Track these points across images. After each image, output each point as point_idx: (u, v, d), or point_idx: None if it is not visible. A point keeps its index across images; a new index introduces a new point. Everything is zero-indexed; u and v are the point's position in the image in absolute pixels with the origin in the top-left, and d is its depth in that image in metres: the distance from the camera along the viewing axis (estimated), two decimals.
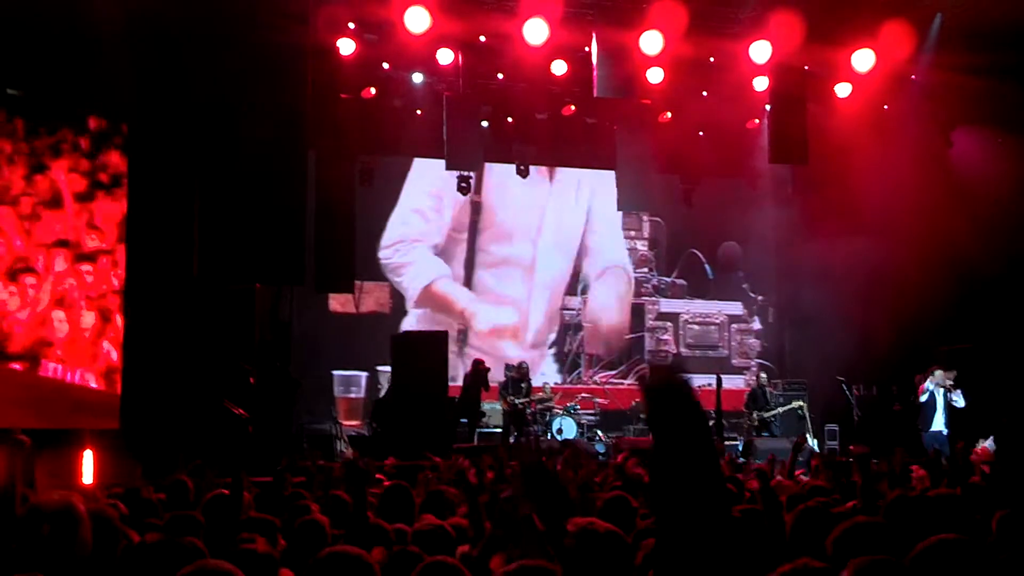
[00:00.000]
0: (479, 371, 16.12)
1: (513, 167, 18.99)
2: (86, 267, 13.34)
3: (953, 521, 4.39)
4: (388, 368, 17.94)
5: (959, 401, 14.22)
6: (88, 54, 12.48)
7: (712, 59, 16.38)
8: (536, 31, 14.88)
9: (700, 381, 19.78)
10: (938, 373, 14.38)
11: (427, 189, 19.94)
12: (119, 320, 13.40)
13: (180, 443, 10.96)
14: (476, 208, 20.38)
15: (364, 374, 18.71)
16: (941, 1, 15.29)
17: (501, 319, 20.36)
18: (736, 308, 21.95)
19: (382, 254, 19.75)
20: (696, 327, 22.02)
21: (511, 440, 16.07)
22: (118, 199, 13.61)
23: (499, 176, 19.86)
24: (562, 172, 20.74)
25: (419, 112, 17.53)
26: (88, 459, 8.55)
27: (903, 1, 15.15)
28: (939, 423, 14.32)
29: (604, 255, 21.34)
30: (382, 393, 17.25)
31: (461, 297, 20.32)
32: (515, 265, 20.74)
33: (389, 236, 19.86)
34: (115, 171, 13.64)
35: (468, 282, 20.43)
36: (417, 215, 20.11)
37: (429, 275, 20.20)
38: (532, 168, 19.32)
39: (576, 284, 21.02)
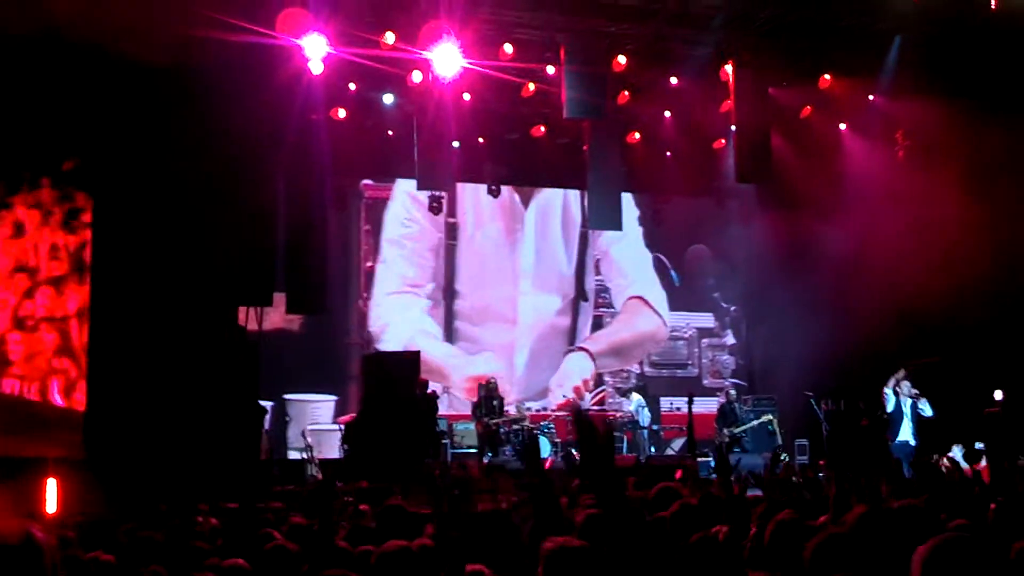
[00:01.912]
0: (426, 394, 15.64)
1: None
2: (47, 291, 13.46)
3: (917, 532, 4.42)
4: (300, 396, 17.21)
5: (926, 410, 14.35)
6: (50, 90, 12.54)
7: (678, 81, 16.55)
8: (505, 52, 14.99)
9: (665, 404, 19.33)
10: (904, 384, 14.52)
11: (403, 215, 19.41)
12: (77, 340, 13.55)
13: (147, 471, 10.85)
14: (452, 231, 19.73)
15: (268, 404, 16.91)
16: (900, 24, 15.52)
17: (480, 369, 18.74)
18: (707, 320, 20.62)
19: (372, 315, 18.97)
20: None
21: (485, 460, 16.02)
22: (75, 230, 13.75)
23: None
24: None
25: (390, 133, 17.56)
26: (52, 487, 8.44)
27: (862, 24, 15.37)
28: (906, 433, 14.44)
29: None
30: (289, 428, 16.53)
31: (437, 352, 19.00)
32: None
33: (377, 294, 19.09)
34: (73, 205, 13.84)
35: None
36: (394, 246, 19.43)
37: (407, 332, 19.05)
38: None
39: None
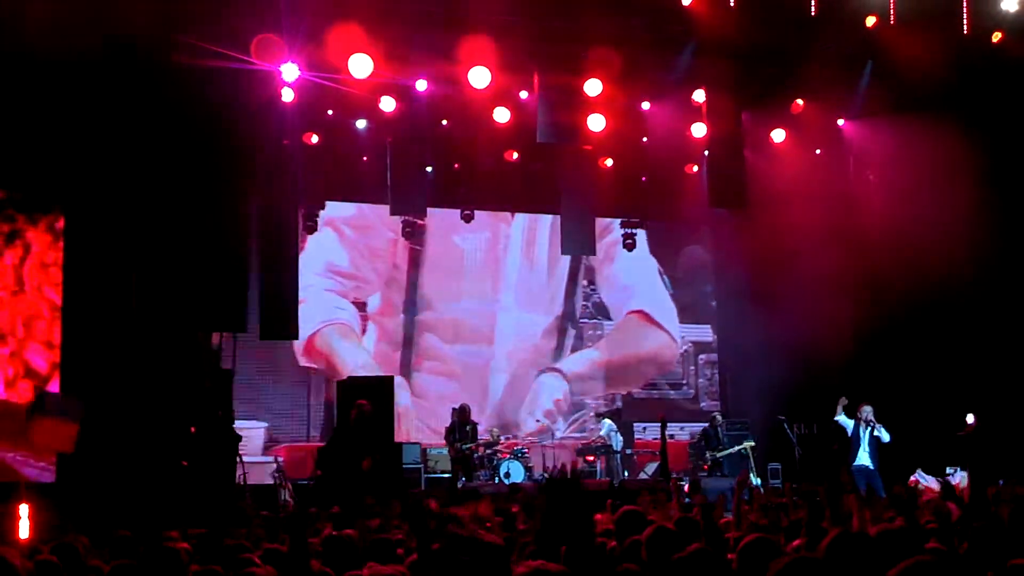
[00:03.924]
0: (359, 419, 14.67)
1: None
2: None
3: (897, 557, 4.45)
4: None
5: (884, 436, 14.44)
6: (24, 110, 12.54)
7: (651, 106, 16.66)
8: (479, 77, 15.04)
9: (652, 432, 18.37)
10: (865, 409, 14.61)
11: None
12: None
13: (120, 496, 10.78)
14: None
15: None
16: (872, 49, 15.73)
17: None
18: (705, 333, 19.40)
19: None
20: None
21: (458, 485, 15.98)
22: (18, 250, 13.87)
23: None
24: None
25: (364, 159, 17.57)
26: (24, 513, 8.38)
27: (834, 48, 15.55)
28: (863, 458, 14.52)
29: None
30: None
31: (349, 359, 17.36)
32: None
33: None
34: (13, 227, 13.94)
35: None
36: (329, 227, 18.09)
37: (316, 319, 17.33)
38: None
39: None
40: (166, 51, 12.32)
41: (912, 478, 14.07)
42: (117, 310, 13.01)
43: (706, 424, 17.59)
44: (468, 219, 19.14)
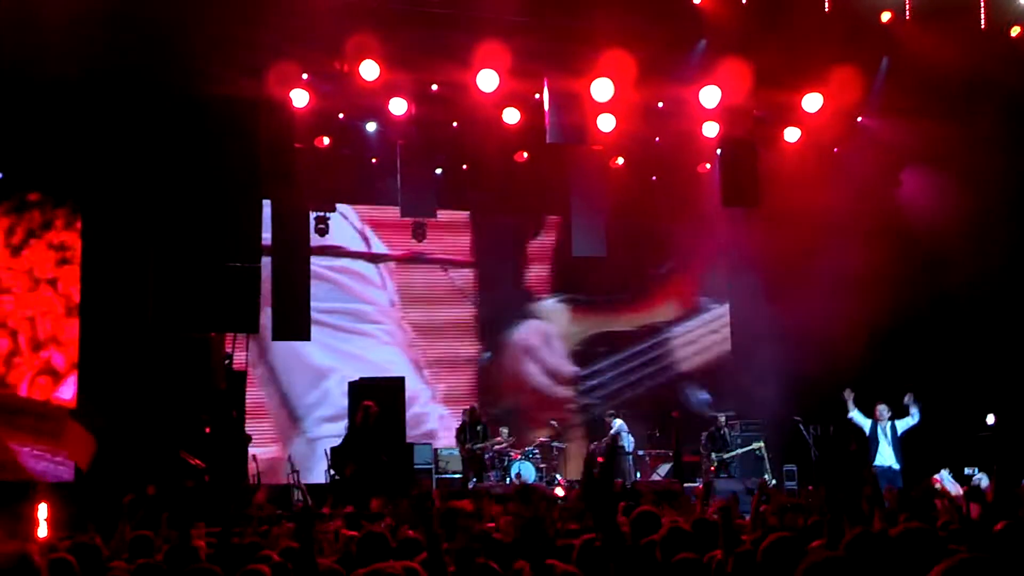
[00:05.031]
0: (364, 422, 14.67)
1: None
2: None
3: (919, 557, 4.42)
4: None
5: (915, 416, 14.29)
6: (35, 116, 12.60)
7: (662, 105, 16.61)
8: (488, 80, 15.02)
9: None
10: (880, 408, 14.51)
11: None
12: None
13: (135, 494, 10.82)
14: None
15: None
16: (887, 45, 15.66)
17: None
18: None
19: None
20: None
21: (470, 486, 15.98)
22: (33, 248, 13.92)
23: None
24: None
25: (374, 160, 17.60)
26: (43, 511, 8.43)
27: (850, 45, 15.49)
28: (886, 456, 14.40)
29: None
30: None
31: None
32: None
33: None
34: (29, 226, 13.99)
35: None
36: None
37: None
38: None
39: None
40: (181, 56, 12.36)
41: (934, 477, 13.96)
42: (133, 310, 13.06)
43: (711, 428, 17.50)
44: (474, 221, 19.17)
